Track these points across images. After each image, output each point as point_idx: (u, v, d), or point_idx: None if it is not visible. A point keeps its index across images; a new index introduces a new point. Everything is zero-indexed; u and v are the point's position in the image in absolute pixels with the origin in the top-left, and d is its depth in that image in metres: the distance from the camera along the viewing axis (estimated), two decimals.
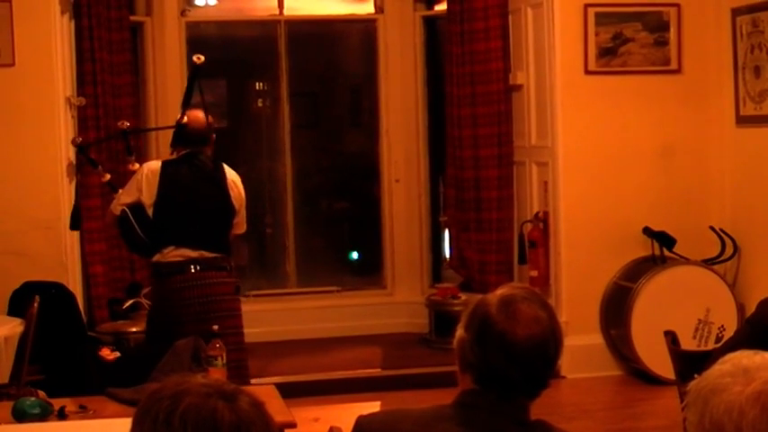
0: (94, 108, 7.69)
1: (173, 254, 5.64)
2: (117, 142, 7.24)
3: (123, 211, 5.74)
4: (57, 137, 7.17)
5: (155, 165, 5.83)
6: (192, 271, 5.62)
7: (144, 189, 5.70)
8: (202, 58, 6.12)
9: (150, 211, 5.69)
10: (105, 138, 7.43)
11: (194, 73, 6.17)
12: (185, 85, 8.53)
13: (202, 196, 5.73)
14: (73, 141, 6.70)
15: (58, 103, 7.20)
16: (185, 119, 5.88)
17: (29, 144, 7.11)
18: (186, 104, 6.07)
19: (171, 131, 6.09)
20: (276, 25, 9.01)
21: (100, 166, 6.51)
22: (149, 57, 8.52)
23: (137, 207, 5.71)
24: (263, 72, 9.53)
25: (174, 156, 5.90)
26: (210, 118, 5.99)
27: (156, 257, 5.70)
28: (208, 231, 5.72)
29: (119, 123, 6.59)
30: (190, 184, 5.72)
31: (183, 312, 5.60)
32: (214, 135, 5.93)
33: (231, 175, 5.85)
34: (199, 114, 5.91)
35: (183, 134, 5.85)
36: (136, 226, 5.69)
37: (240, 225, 5.93)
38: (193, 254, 5.64)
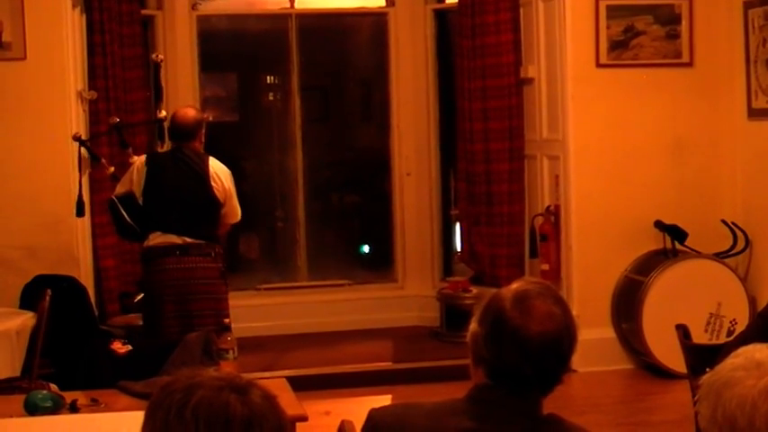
0: (106, 102, 7.70)
1: (158, 239, 6.18)
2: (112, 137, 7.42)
3: (111, 200, 6.35)
4: (68, 131, 7.17)
5: (144, 157, 6.38)
6: (176, 255, 6.14)
7: (135, 179, 6.26)
8: (162, 56, 6.84)
9: (141, 200, 6.24)
10: (101, 134, 7.46)
11: (157, 70, 6.83)
12: (196, 78, 8.65)
13: (183, 187, 6.20)
14: (73, 136, 6.94)
15: (69, 96, 7.21)
16: (163, 113, 6.56)
17: (40, 138, 7.12)
18: (159, 99, 6.84)
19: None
20: (287, 19, 9.01)
21: (103, 159, 6.91)
22: (160, 51, 8.50)
23: (130, 196, 6.26)
24: (274, 66, 9.53)
25: (163, 148, 6.49)
26: (196, 113, 6.46)
27: (146, 243, 6.25)
28: (190, 220, 6.18)
29: (109, 119, 7.09)
30: (172, 176, 6.21)
31: (165, 293, 6.17)
32: (203, 130, 6.35)
33: (215, 168, 6.26)
34: (187, 110, 6.46)
35: (170, 129, 6.40)
36: (124, 213, 6.24)
37: (231, 215, 6.37)
38: (177, 240, 6.16)
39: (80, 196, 6.82)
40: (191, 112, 6.42)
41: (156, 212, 6.21)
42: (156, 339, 6.24)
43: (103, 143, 7.55)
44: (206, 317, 6.02)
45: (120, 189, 6.34)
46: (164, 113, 6.63)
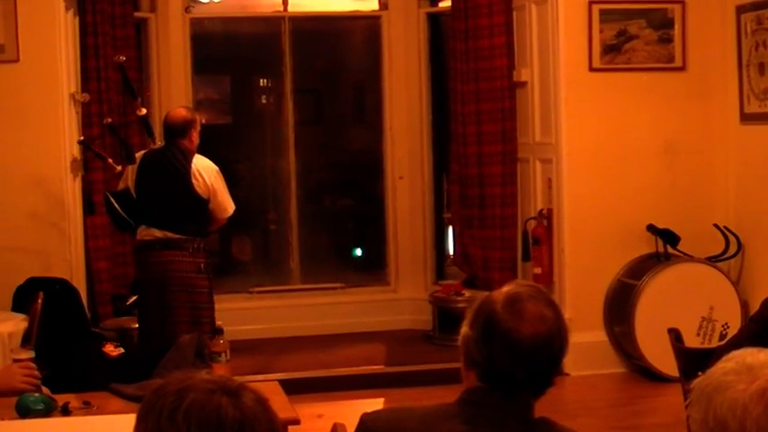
0: (98, 104, 7.69)
1: (144, 233, 6.56)
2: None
3: (105, 194, 6.75)
4: (61, 133, 7.18)
5: (139, 155, 6.72)
6: (156, 249, 6.49)
7: (129, 176, 6.65)
8: (123, 57, 7.08)
9: (135, 195, 6.62)
10: (98, 136, 7.52)
11: (123, 71, 7.10)
12: (189, 81, 8.66)
13: (165, 184, 6.51)
14: (79, 141, 7.22)
15: (62, 99, 7.21)
16: (143, 110, 6.95)
17: (33, 140, 7.12)
18: (134, 97, 7.08)
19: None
20: (280, 22, 9.01)
21: (110, 159, 7.09)
22: (153, 53, 8.53)
23: (126, 191, 6.63)
24: (267, 68, 9.53)
25: (156, 145, 6.80)
26: (186, 112, 6.76)
27: (136, 235, 6.65)
28: (172, 215, 6.49)
29: (104, 121, 7.35)
30: (156, 173, 6.54)
31: (148, 285, 6.60)
32: (194, 129, 6.60)
33: (199, 165, 6.52)
34: (178, 110, 6.80)
35: (162, 127, 6.73)
36: (117, 207, 6.58)
37: (219, 210, 6.61)
38: (159, 234, 6.50)
39: (89, 196, 7.30)
40: (180, 112, 6.74)
41: (143, 207, 6.57)
42: (146, 336, 6.62)
43: (97, 146, 7.57)
44: (181, 308, 6.44)
45: (120, 185, 6.74)
46: (143, 111, 6.98)
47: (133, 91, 7.13)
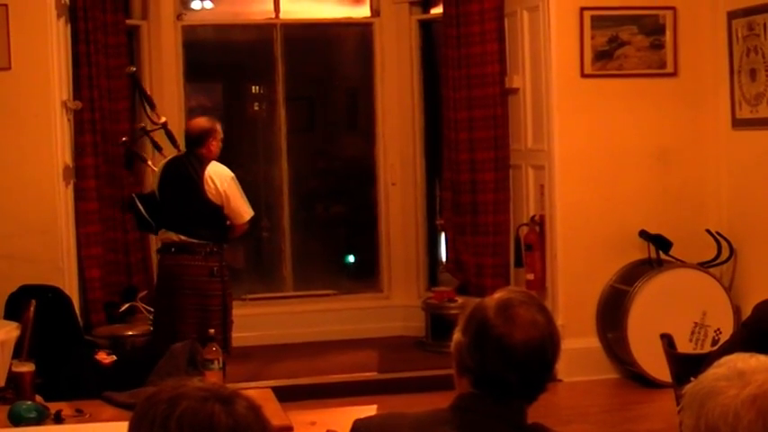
0: (91, 112, 7.70)
1: (163, 236, 6.82)
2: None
3: (131, 196, 7.04)
4: (53, 141, 7.17)
5: (164, 161, 6.98)
6: (171, 252, 6.74)
7: (154, 181, 6.94)
8: (133, 68, 7.42)
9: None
10: (127, 142, 7.60)
11: (135, 81, 7.43)
12: (182, 88, 8.67)
13: (179, 190, 6.74)
14: (123, 142, 7.46)
15: (54, 106, 7.19)
16: (163, 118, 7.21)
17: (25, 148, 7.11)
18: (152, 107, 7.34)
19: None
20: (272, 29, 9.01)
21: (149, 161, 7.42)
22: (145, 60, 8.52)
23: (152, 194, 6.88)
24: (260, 76, 9.52)
25: (179, 153, 7.06)
26: (205, 122, 6.94)
27: (159, 237, 6.96)
28: (187, 220, 6.71)
29: (135, 126, 7.59)
30: (173, 179, 6.77)
31: (161, 285, 6.90)
32: (212, 138, 6.80)
33: (212, 172, 6.71)
34: (197, 120, 7.06)
35: (184, 136, 7.01)
36: (141, 209, 6.82)
37: (233, 216, 6.83)
38: (175, 238, 6.74)
39: (128, 150, 7.50)
40: (199, 122, 6.98)
41: (163, 211, 6.80)
42: (157, 336, 6.76)
43: (89, 153, 7.58)
44: (190, 310, 6.65)
45: (148, 188, 7.11)
46: (163, 119, 7.22)
47: (150, 100, 7.28)
